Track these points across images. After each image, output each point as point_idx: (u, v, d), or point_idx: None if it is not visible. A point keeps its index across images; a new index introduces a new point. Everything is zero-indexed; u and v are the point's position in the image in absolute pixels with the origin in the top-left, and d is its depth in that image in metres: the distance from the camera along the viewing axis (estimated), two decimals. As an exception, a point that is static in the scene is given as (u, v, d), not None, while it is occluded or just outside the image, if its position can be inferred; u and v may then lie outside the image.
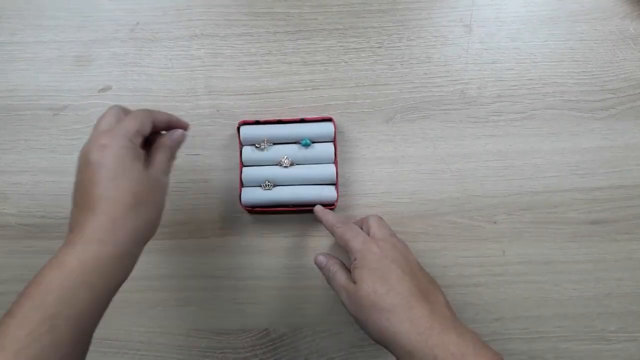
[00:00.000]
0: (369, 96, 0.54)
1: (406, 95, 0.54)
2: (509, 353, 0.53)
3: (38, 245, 0.55)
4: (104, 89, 0.55)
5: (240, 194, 0.52)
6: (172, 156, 0.42)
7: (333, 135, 0.52)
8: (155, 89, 0.55)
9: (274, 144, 0.53)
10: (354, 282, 0.41)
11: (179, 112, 0.55)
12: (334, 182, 0.52)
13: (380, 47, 0.54)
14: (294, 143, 0.53)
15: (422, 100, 0.54)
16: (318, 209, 0.49)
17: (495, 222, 0.53)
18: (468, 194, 0.53)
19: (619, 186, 0.53)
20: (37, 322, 0.31)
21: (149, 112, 0.41)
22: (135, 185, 0.37)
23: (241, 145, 0.53)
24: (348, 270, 0.44)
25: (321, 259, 0.47)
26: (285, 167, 0.52)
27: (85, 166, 0.37)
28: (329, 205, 0.52)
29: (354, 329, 0.54)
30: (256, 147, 0.52)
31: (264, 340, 0.54)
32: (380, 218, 0.47)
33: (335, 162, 0.52)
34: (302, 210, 0.53)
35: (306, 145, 0.52)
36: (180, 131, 0.44)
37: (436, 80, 0.54)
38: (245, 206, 0.52)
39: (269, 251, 0.54)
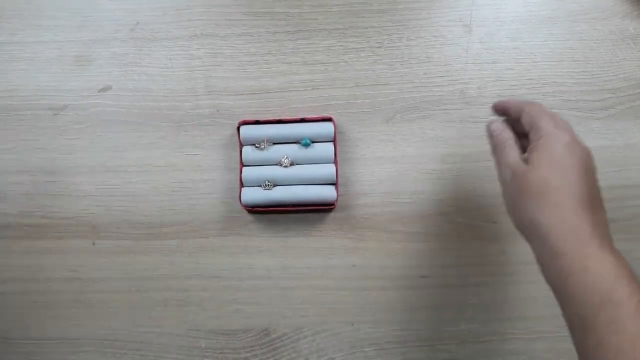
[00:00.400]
0: (368, 96, 0.54)
1: (406, 95, 0.54)
2: (509, 353, 0.53)
3: (38, 245, 0.55)
4: (104, 89, 0.55)
5: (240, 194, 0.52)
6: None
7: (333, 135, 0.52)
8: (155, 88, 0.55)
9: (274, 143, 0.53)
10: (526, 163, 0.37)
11: (179, 111, 0.55)
12: (334, 182, 0.52)
13: (380, 47, 0.54)
14: (294, 143, 0.53)
15: (422, 100, 0.54)
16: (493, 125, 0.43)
17: (495, 222, 0.53)
18: (468, 194, 0.53)
19: (618, 186, 0.53)
20: None
21: None
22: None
23: (241, 145, 0.53)
24: (519, 150, 0.40)
25: (496, 126, 0.42)
26: (285, 167, 0.52)
27: (592, 170, 0.38)
28: (329, 205, 0.52)
29: (354, 329, 0.54)
30: (256, 147, 0.52)
31: (263, 341, 0.54)
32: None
33: (335, 161, 0.52)
34: (302, 210, 0.53)
35: (306, 145, 0.52)
36: None
37: (436, 80, 0.54)
38: (245, 206, 0.52)
39: (269, 251, 0.54)
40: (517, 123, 0.41)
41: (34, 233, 0.55)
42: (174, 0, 0.56)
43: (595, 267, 0.33)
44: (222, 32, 0.55)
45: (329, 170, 0.52)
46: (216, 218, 0.54)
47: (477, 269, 0.53)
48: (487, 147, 0.53)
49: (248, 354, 0.54)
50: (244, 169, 0.53)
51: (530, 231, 0.37)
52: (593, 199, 0.36)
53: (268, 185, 0.52)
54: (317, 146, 0.52)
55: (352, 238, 0.53)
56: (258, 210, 0.53)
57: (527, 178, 0.37)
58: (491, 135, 0.42)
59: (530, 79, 0.54)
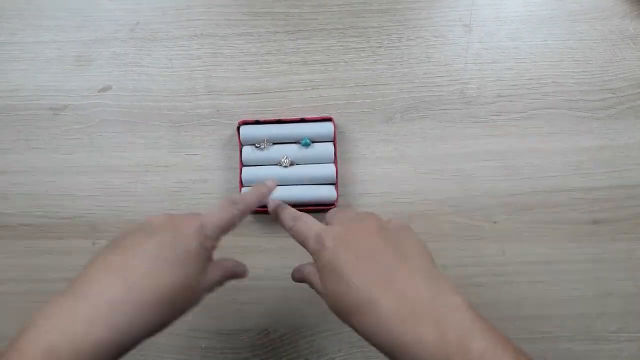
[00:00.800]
0: (368, 96, 0.54)
1: (406, 95, 0.54)
2: (509, 353, 0.53)
3: (38, 245, 0.55)
4: (104, 89, 0.55)
5: (240, 194, 0.52)
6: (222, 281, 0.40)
7: (333, 135, 0.52)
8: (155, 88, 0.55)
9: (274, 143, 0.53)
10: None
11: (179, 111, 0.55)
12: (334, 182, 0.52)
13: (380, 46, 0.54)
14: (294, 143, 0.53)
15: (422, 100, 0.54)
16: (271, 206, 0.42)
17: (495, 222, 0.53)
18: (468, 194, 0.53)
19: (619, 186, 0.53)
20: None
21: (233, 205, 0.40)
22: (183, 293, 0.34)
23: (241, 145, 0.53)
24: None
25: (295, 272, 0.42)
26: (285, 166, 0.52)
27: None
28: (329, 205, 0.52)
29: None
30: (256, 147, 0.52)
31: (264, 341, 0.54)
32: (348, 206, 0.47)
33: (335, 161, 0.52)
34: (303, 210, 0.53)
35: (306, 145, 0.52)
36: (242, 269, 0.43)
37: (436, 80, 0.54)
38: None
39: (269, 251, 0.54)
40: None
41: (34, 233, 0.55)
42: (174, 0, 0.56)
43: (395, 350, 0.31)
44: (222, 32, 0.55)
45: (329, 170, 0.52)
46: (216, 218, 0.54)
47: (477, 269, 0.53)
48: (487, 147, 0.53)
49: (248, 354, 0.54)
50: (244, 169, 0.53)
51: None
52: (382, 267, 0.33)
53: None
54: (317, 146, 0.52)
55: (352, 238, 0.53)
56: (258, 210, 0.53)
57: (327, 302, 0.35)
58: (298, 280, 0.42)
59: (530, 79, 0.54)
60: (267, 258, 0.54)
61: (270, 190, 0.42)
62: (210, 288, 0.38)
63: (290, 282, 0.54)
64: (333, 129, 0.52)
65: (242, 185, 0.53)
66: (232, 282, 0.54)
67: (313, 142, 0.52)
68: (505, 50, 0.54)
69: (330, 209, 0.52)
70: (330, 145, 0.52)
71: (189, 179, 0.54)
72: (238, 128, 0.53)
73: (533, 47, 0.54)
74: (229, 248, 0.54)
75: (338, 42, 0.55)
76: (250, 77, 0.55)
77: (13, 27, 0.56)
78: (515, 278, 0.53)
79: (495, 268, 0.53)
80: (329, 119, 0.52)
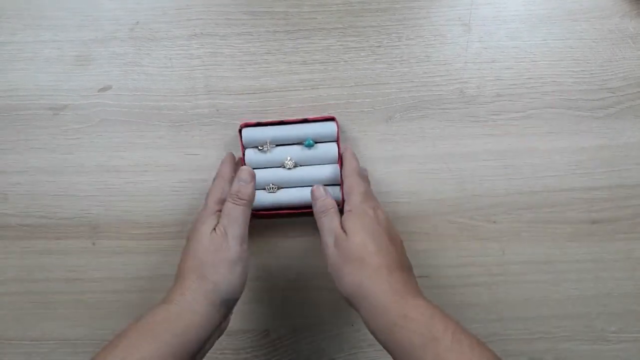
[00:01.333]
0: (368, 95, 0.54)
1: (405, 94, 0.54)
2: (509, 353, 0.53)
3: (37, 245, 0.55)
4: (104, 89, 0.55)
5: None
6: (234, 220, 0.44)
7: (336, 134, 0.52)
8: (155, 88, 0.55)
9: (277, 145, 0.52)
10: (345, 232, 0.43)
11: (179, 111, 0.55)
12: (339, 183, 0.51)
13: (379, 46, 0.54)
14: (297, 144, 0.52)
15: (422, 99, 0.54)
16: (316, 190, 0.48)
17: (494, 222, 0.53)
18: (467, 194, 0.53)
19: (618, 185, 0.53)
20: None
21: (220, 178, 0.48)
22: (201, 249, 0.43)
23: (244, 148, 0.52)
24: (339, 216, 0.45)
25: (322, 191, 0.47)
26: (289, 169, 0.52)
27: (396, 236, 0.45)
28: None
29: (354, 329, 0.54)
30: (259, 150, 0.52)
31: (264, 341, 0.54)
32: (366, 184, 0.49)
33: (339, 162, 0.52)
34: (308, 213, 0.51)
35: (309, 146, 0.51)
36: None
37: (435, 80, 0.54)
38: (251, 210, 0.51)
39: (269, 251, 0.54)
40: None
41: (34, 233, 0.55)
42: None
43: (413, 314, 0.37)
44: (222, 32, 0.55)
45: (333, 170, 0.51)
46: (216, 218, 0.54)
47: (477, 269, 0.53)
48: (486, 147, 0.53)
49: (248, 355, 0.54)
50: None
51: (356, 295, 0.40)
52: (403, 261, 0.43)
53: (272, 188, 0.51)
54: (321, 146, 0.52)
55: (352, 238, 0.53)
56: (263, 214, 0.53)
57: (347, 244, 0.42)
58: (315, 198, 0.47)
59: (530, 78, 0.54)
60: (267, 258, 0.54)
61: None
62: (231, 235, 0.44)
63: (290, 282, 0.54)
64: (336, 129, 0.52)
65: None
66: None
67: (316, 142, 0.52)
68: (504, 49, 0.54)
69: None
70: (334, 145, 0.52)
71: (189, 179, 0.54)
72: (240, 131, 0.52)
73: (532, 47, 0.54)
74: (229, 248, 0.54)
75: (338, 41, 0.55)
76: (250, 77, 0.55)
77: (12, 26, 0.56)
78: (515, 278, 0.53)
79: (495, 268, 0.53)
80: (331, 119, 0.52)
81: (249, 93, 0.55)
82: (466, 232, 0.53)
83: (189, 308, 0.40)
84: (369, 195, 0.47)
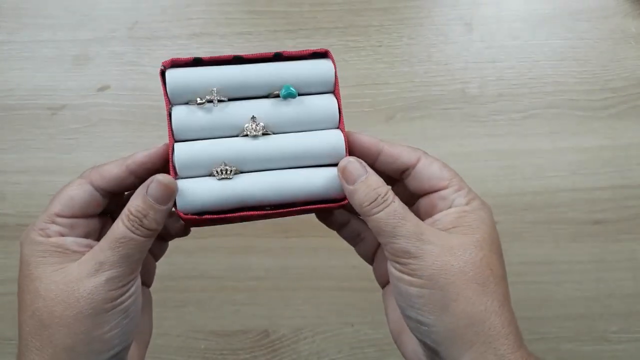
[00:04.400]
0: (369, 95, 0.54)
1: (406, 94, 0.54)
2: (510, 354, 0.53)
3: (36, 245, 0.55)
4: (103, 88, 0.55)
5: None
6: (115, 244, 0.26)
7: (333, 80, 0.31)
8: (154, 88, 0.55)
9: (231, 99, 0.30)
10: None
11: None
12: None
13: (380, 45, 0.54)
14: (266, 97, 0.31)
15: (423, 99, 0.54)
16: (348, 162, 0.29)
17: (496, 222, 0.53)
18: (469, 194, 0.53)
19: (620, 186, 0.52)
20: None
21: (111, 163, 0.29)
22: (37, 300, 0.27)
23: (169, 103, 0.30)
24: None
25: (358, 167, 0.28)
26: (254, 136, 0.30)
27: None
28: (336, 202, 0.31)
29: (355, 330, 0.53)
30: (198, 105, 0.30)
31: (263, 342, 0.54)
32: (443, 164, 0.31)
33: (341, 126, 0.31)
34: (288, 213, 0.31)
35: (289, 96, 0.30)
36: (139, 196, 0.27)
37: (437, 79, 0.54)
38: (184, 213, 0.29)
39: (268, 251, 0.54)
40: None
41: (32, 233, 0.55)
42: (173, -1, 0.56)
43: None
44: (222, 31, 0.55)
45: (332, 139, 0.30)
46: (215, 218, 0.54)
47: (478, 269, 0.53)
48: (487, 147, 0.53)
49: (248, 355, 0.54)
50: (177, 145, 0.30)
51: (469, 332, 0.26)
52: (505, 290, 0.28)
53: (225, 171, 0.29)
54: (307, 100, 0.31)
55: (353, 238, 0.53)
56: (207, 218, 0.30)
57: (461, 258, 0.26)
58: (352, 183, 0.28)
59: (531, 78, 0.53)
60: (267, 258, 0.54)
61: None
62: (104, 266, 0.26)
63: (290, 282, 0.54)
64: (332, 70, 0.31)
65: (175, 174, 0.30)
66: (232, 283, 0.54)
67: (300, 94, 0.30)
68: (506, 49, 0.54)
69: (339, 206, 0.32)
70: (330, 97, 0.31)
71: (188, 179, 0.54)
72: (163, 73, 0.30)
73: (534, 46, 0.54)
74: (229, 248, 0.54)
75: (338, 40, 0.54)
76: (250, 77, 0.55)
77: (11, 26, 0.56)
78: (515, 278, 0.52)
79: (496, 268, 0.53)
80: (323, 54, 0.31)
81: (249, 93, 0.54)
82: (467, 233, 0.53)
83: None
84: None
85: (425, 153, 0.30)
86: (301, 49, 0.31)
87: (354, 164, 0.28)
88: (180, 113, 0.30)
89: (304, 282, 0.54)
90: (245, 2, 0.55)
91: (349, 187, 0.28)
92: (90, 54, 0.55)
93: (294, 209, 0.30)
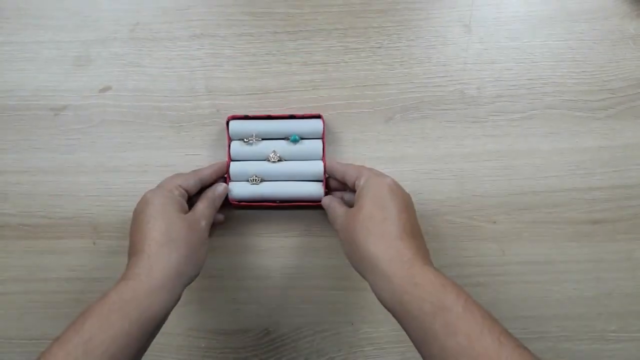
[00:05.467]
0: (368, 96, 0.54)
1: (406, 95, 0.54)
2: (509, 353, 0.53)
3: (38, 245, 0.55)
4: (104, 89, 0.55)
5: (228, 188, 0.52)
6: (211, 205, 0.48)
7: (322, 132, 0.52)
8: (156, 89, 0.55)
9: (263, 139, 0.53)
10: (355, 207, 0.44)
11: (179, 112, 0.55)
12: (322, 179, 0.52)
13: (379, 47, 0.54)
14: (283, 139, 0.53)
15: (422, 100, 0.54)
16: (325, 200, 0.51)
17: (494, 222, 0.53)
18: (468, 194, 0.53)
19: (618, 186, 0.53)
20: (73, 344, 0.36)
21: (194, 171, 0.50)
22: (169, 225, 0.43)
23: (230, 139, 0.53)
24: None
25: (326, 198, 0.50)
26: (274, 162, 0.52)
27: (134, 218, 0.45)
28: (316, 202, 0.52)
29: (354, 328, 0.54)
30: (245, 142, 0.52)
31: (264, 341, 0.54)
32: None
33: (323, 158, 0.52)
34: (289, 207, 0.53)
35: (295, 141, 0.52)
36: (222, 185, 0.51)
37: (436, 80, 0.54)
38: (232, 200, 0.52)
39: (269, 251, 0.54)
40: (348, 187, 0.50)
41: (34, 233, 0.55)
42: (174, 0, 0.56)
43: (423, 282, 0.37)
44: (222, 33, 0.55)
45: (316, 166, 0.52)
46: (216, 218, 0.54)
47: (477, 269, 0.53)
48: (486, 147, 0.53)
49: (248, 354, 0.54)
50: (232, 163, 0.52)
51: (364, 264, 0.41)
52: (413, 228, 0.42)
53: (255, 180, 0.52)
54: (306, 142, 0.52)
55: (352, 238, 0.53)
56: (245, 205, 0.53)
57: (355, 217, 0.42)
58: (326, 206, 0.49)
59: (530, 79, 0.54)
60: (267, 258, 0.54)
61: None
62: (202, 214, 0.47)
63: (290, 282, 0.54)
64: (322, 126, 0.52)
65: (229, 179, 0.52)
66: (232, 282, 0.54)
67: (302, 138, 0.52)
68: (505, 50, 0.54)
69: (318, 205, 0.52)
70: (319, 142, 0.52)
71: (189, 179, 0.54)
72: (227, 122, 0.53)
73: (533, 47, 0.54)
74: (230, 248, 0.54)
75: (338, 42, 0.55)
76: (251, 78, 0.55)
77: (12, 27, 0.56)
78: (515, 278, 0.53)
79: (495, 268, 0.53)
80: (317, 116, 0.52)
81: (249, 94, 0.55)
82: (466, 233, 0.53)
83: (158, 285, 0.40)
84: (374, 170, 0.48)
85: (365, 168, 0.48)
86: (305, 112, 0.53)
87: (325, 200, 0.51)
88: (235, 145, 0.53)
89: (304, 281, 0.54)
90: (246, 4, 0.55)
91: (325, 203, 0.50)
92: (91, 55, 0.56)
93: (292, 203, 0.52)
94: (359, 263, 0.41)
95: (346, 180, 0.48)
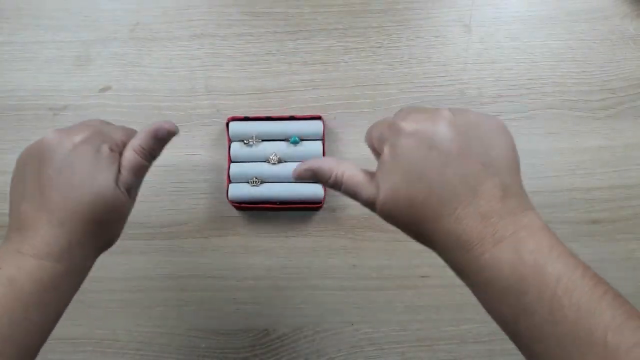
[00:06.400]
0: (368, 96, 0.54)
1: (406, 95, 0.54)
2: (509, 353, 0.53)
3: (38, 245, 0.55)
4: (104, 89, 0.55)
5: (228, 189, 0.52)
6: (146, 157, 0.35)
7: (322, 133, 0.52)
8: (155, 88, 0.55)
9: (263, 140, 0.52)
10: (378, 186, 0.31)
11: (179, 112, 0.55)
12: None
13: (380, 47, 0.54)
14: (283, 140, 0.52)
15: (422, 100, 0.54)
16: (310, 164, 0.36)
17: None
18: (468, 194, 0.53)
19: (618, 186, 0.53)
20: None
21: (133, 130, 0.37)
22: (101, 200, 0.32)
23: (230, 140, 0.53)
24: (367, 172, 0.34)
25: (310, 163, 0.35)
26: (274, 164, 0.52)
27: (48, 154, 0.32)
28: (316, 204, 0.52)
29: (354, 329, 0.54)
30: (245, 144, 0.52)
31: (264, 341, 0.54)
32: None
33: None
34: (290, 208, 0.53)
35: (295, 143, 0.52)
36: (160, 123, 0.35)
37: (436, 80, 0.54)
38: (232, 202, 0.52)
39: (269, 251, 0.54)
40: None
41: (34, 233, 0.55)
42: (174, 0, 0.56)
43: (467, 274, 0.30)
44: (222, 32, 0.55)
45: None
46: (216, 218, 0.54)
47: (477, 269, 0.53)
48: (487, 147, 0.53)
49: (248, 354, 0.54)
50: (232, 164, 0.52)
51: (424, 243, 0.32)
52: (472, 169, 0.29)
53: (255, 181, 0.52)
54: (306, 144, 0.52)
55: (352, 238, 0.54)
56: (245, 206, 0.53)
57: (386, 210, 0.31)
58: (320, 172, 0.35)
59: (530, 79, 0.54)
60: (267, 258, 0.54)
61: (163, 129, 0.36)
62: (126, 182, 0.34)
63: (290, 282, 0.54)
64: (322, 128, 0.52)
65: (229, 180, 0.53)
66: (232, 282, 0.54)
67: (302, 140, 0.52)
68: (505, 50, 0.54)
69: (317, 207, 0.52)
70: (319, 143, 0.52)
71: (189, 179, 0.54)
72: (227, 124, 0.53)
73: (533, 47, 0.54)
74: (230, 248, 0.54)
75: (338, 42, 0.55)
76: (251, 77, 0.55)
77: (12, 27, 0.56)
78: (515, 278, 0.53)
79: (495, 268, 0.53)
80: (317, 117, 0.52)
81: (249, 93, 0.55)
82: (466, 233, 0.53)
83: (80, 265, 0.33)
84: (395, 122, 0.32)
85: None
86: (305, 114, 0.53)
87: (304, 164, 0.35)
88: (235, 147, 0.52)
89: (304, 281, 0.54)
90: (245, 4, 0.55)
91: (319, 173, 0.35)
92: (91, 54, 0.56)
93: (291, 205, 0.52)
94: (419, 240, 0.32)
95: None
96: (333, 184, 0.34)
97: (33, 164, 0.32)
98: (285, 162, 0.52)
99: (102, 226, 0.33)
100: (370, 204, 0.32)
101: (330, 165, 0.34)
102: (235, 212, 0.54)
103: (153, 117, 0.55)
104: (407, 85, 0.54)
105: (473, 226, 0.28)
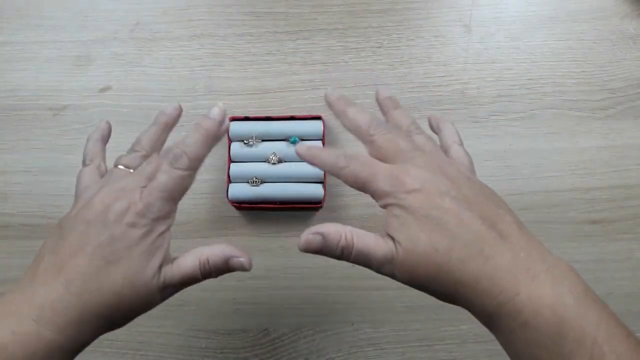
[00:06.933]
0: (368, 96, 0.54)
1: (406, 95, 0.54)
2: (509, 353, 0.53)
3: (38, 245, 0.55)
4: (104, 89, 0.55)
5: (228, 189, 0.52)
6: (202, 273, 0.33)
7: (322, 133, 0.52)
8: (156, 88, 0.55)
9: (263, 140, 0.52)
10: (394, 242, 0.29)
11: (179, 112, 0.55)
12: (322, 181, 0.52)
13: (380, 47, 0.54)
14: (283, 140, 0.52)
15: (422, 100, 0.54)
16: (301, 148, 0.35)
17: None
18: (468, 194, 0.53)
19: (618, 186, 0.53)
20: None
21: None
22: (134, 295, 0.30)
23: (230, 141, 0.53)
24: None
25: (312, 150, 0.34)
26: (274, 164, 0.52)
27: (98, 226, 0.29)
28: (316, 204, 0.52)
29: (354, 329, 0.54)
30: (245, 144, 0.52)
31: (264, 340, 0.54)
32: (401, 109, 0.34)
33: None
34: (290, 208, 0.53)
35: (294, 143, 0.52)
36: (238, 260, 0.34)
37: (436, 80, 0.54)
38: (232, 202, 0.52)
39: (269, 251, 0.54)
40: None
41: (35, 233, 0.55)
42: (174, 0, 0.56)
43: (502, 320, 0.28)
44: (222, 32, 0.55)
45: (317, 168, 0.50)
46: (216, 218, 0.54)
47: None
48: (486, 147, 0.53)
49: (248, 354, 0.54)
50: (232, 164, 0.52)
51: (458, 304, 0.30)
52: (488, 211, 0.30)
53: (255, 181, 0.52)
54: (306, 144, 0.52)
55: (352, 238, 0.53)
56: (245, 206, 0.53)
57: (411, 261, 0.29)
58: (322, 247, 0.33)
59: (530, 79, 0.54)
60: (267, 258, 0.54)
61: (214, 124, 0.34)
62: (168, 286, 0.32)
63: (290, 282, 0.54)
64: (322, 128, 0.52)
65: (229, 180, 0.52)
66: (232, 282, 0.54)
67: (302, 140, 0.52)
68: (505, 50, 0.54)
69: (317, 207, 0.52)
70: (319, 144, 0.52)
71: (189, 179, 0.54)
72: None
73: (533, 47, 0.54)
74: (229, 248, 0.54)
75: (338, 42, 0.55)
76: (251, 77, 0.55)
77: (12, 27, 0.56)
78: (515, 278, 0.53)
79: (495, 268, 0.53)
80: (318, 117, 0.52)
81: (249, 93, 0.55)
82: (466, 233, 0.53)
83: (82, 342, 0.29)
84: (411, 150, 0.31)
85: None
86: (304, 114, 0.53)
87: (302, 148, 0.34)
88: (235, 147, 0.52)
89: (304, 281, 0.54)
90: (246, 4, 0.55)
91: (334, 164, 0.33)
92: (92, 54, 0.56)
93: (291, 205, 0.52)
94: (452, 303, 0.31)
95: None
96: (343, 247, 0.31)
97: (80, 227, 0.30)
98: (285, 162, 0.52)
99: (121, 314, 0.30)
100: (387, 262, 0.29)
101: (337, 228, 0.31)
102: (235, 212, 0.54)
103: (153, 117, 0.55)
104: (407, 85, 0.54)
105: (503, 264, 0.27)
